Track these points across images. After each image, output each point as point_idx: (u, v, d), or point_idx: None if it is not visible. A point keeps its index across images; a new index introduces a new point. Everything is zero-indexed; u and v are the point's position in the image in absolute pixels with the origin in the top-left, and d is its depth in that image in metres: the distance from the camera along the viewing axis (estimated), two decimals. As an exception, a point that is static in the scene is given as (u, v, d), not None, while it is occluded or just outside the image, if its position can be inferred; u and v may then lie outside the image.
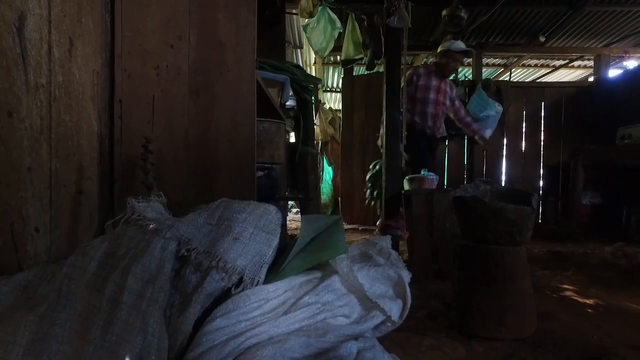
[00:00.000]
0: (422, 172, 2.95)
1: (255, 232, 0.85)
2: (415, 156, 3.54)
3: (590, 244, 3.80)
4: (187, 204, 1.28)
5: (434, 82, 3.54)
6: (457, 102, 3.78)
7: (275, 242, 0.87)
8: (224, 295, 0.83)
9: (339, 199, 5.66)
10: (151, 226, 0.84)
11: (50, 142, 1.13)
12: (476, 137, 3.94)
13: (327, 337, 0.80)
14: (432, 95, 3.53)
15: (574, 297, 2.18)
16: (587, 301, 2.10)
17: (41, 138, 1.10)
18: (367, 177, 4.24)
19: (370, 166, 4.30)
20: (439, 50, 3.61)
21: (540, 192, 5.29)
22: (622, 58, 6.15)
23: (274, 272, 0.89)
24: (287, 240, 1.43)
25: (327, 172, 6.40)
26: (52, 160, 1.14)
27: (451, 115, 3.84)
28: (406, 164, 3.54)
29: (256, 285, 0.84)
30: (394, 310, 0.90)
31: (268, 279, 0.87)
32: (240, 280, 0.83)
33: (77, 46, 1.26)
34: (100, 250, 0.80)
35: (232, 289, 0.82)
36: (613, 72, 5.85)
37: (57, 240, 1.16)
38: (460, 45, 3.55)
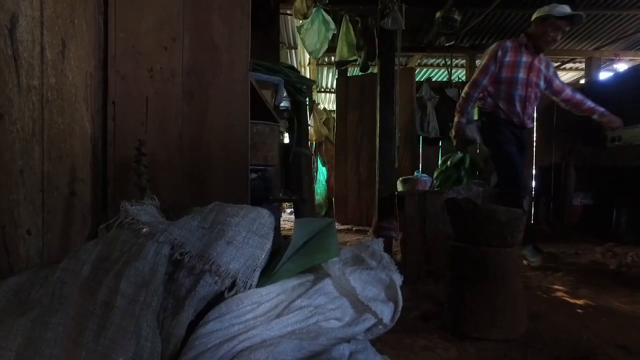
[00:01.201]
0: (415, 174, 2.97)
1: (248, 235, 0.85)
2: (497, 151, 2.90)
3: (581, 244, 3.84)
4: (181, 206, 1.28)
5: (525, 59, 2.82)
6: (557, 82, 3.02)
7: (268, 245, 0.88)
8: (217, 298, 0.83)
9: (333, 199, 5.68)
10: (144, 230, 0.84)
11: (42, 144, 1.13)
12: (595, 117, 3.05)
13: (319, 340, 0.81)
14: (521, 75, 2.82)
15: (565, 298, 2.21)
16: (577, 301, 2.13)
17: (33, 140, 1.09)
18: (435, 174, 3.68)
19: (440, 162, 3.68)
20: (534, 17, 2.83)
21: (533, 192, 5.34)
22: (612, 61, 6.23)
23: (267, 275, 0.89)
24: (280, 242, 1.44)
25: (321, 173, 6.41)
26: (44, 162, 1.13)
27: (554, 98, 3.10)
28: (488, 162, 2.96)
29: (249, 288, 0.84)
30: (386, 313, 0.91)
31: (261, 282, 0.88)
32: (234, 284, 0.84)
33: (70, 48, 1.25)
34: (94, 254, 0.80)
35: (225, 292, 0.83)
36: (604, 75, 5.92)
37: (49, 242, 1.16)
38: (564, 9, 2.72)
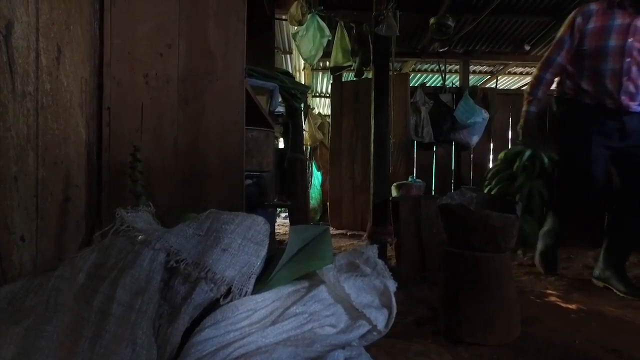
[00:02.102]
0: (409, 179, 2.98)
1: (243, 243, 0.86)
2: (571, 154, 2.30)
3: (574, 249, 3.87)
4: (176, 212, 1.29)
5: (619, 20, 2.13)
6: None
7: (263, 252, 0.88)
8: (213, 305, 0.83)
9: (328, 204, 5.68)
10: (140, 237, 0.84)
11: (37, 150, 1.12)
12: None
13: (314, 346, 0.81)
14: (613, 42, 2.12)
15: (558, 302, 2.22)
16: (570, 306, 2.15)
17: (28, 146, 1.09)
18: (489, 174, 3.18)
19: (499, 156, 3.05)
20: None
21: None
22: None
23: (262, 282, 0.90)
24: (275, 248, 1.44)
25: (316, 177, 6.42)
26: (38, 168, 1.13)
27: None
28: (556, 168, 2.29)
29: (244, 295, 0.85)
30: (380, 319, 0.92)
31: (256, 289, 0.88)
32: (229, 291, 0.84)
33: (66, 54, 1.26)
34: (89, 262, 0.80)
35: (221, 299, 0.83)
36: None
37: (43, 248, 1.15)
38: None
